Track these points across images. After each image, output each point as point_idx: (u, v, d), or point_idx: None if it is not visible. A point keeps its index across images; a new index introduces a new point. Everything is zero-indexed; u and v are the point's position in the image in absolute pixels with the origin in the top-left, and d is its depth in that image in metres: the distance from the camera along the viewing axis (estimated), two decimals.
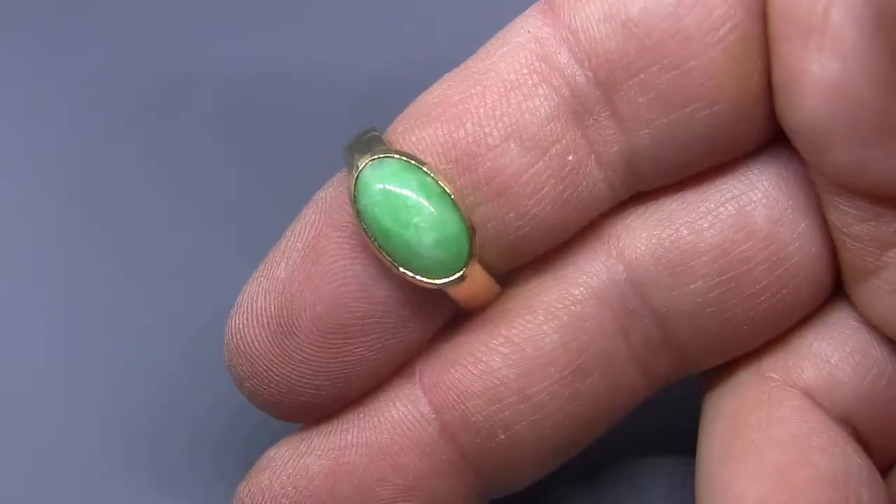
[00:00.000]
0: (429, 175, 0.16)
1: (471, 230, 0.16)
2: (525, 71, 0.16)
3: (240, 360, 0.17)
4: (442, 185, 0.16)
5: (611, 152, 0.17)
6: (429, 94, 0.17)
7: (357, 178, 0.16)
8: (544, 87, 0.16)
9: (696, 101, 0.16)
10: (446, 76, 0.17)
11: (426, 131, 0.16)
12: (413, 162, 0.16)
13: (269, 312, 0.16)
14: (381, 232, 0.16)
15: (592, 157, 0.17)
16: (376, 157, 0.16)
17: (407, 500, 0.17)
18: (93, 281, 0.23)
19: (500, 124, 0.16)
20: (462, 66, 0.17)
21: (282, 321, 0.16)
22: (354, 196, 0.16)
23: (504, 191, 0.16)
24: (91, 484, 0.21)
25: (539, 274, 0.18)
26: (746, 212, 0.17)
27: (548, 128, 0.16)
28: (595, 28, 0.16)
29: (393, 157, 0.16)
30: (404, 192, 0.16)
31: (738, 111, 0.16)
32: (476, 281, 0.16)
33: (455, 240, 0.16)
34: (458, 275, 0.16)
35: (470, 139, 0.16)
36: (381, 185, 0.16)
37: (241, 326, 0.17)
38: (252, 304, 0.17)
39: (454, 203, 0.16)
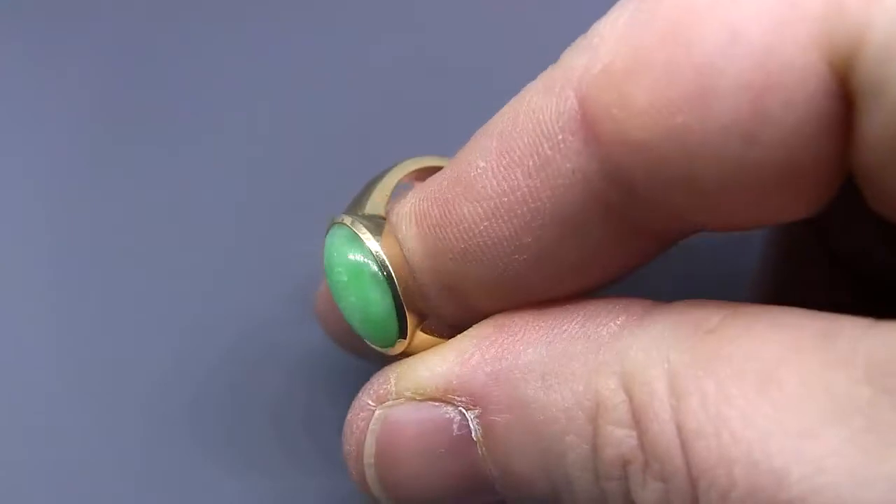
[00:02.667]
0: (371, 252, 0.16)
1: (401, 313, 0.15)
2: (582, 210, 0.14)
3: None
4: (382, 265, 0.15)
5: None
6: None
7: (328, 234, 0.16)
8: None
9: None
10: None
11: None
12: (363, 233, 0.16)
13: None
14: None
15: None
16: (339, 221, 0.16)
17: None
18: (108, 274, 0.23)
19: None
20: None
21: None
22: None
23: None
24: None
25: None
26: None
27: None
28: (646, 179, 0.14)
29: (345, 224, 0.16)
30: (341, 269, 0.16)
31: None
32: (416, 346, 0.16)
33: (381, 322, 0.16)
34: (388, 348, 0.16)
35: None
36: (336, 256, 0.16)
37: None
38: None
39: (388, 285, 0.15)
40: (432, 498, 0.15)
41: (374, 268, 0.16)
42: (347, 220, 0.16)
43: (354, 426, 0.16)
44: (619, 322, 0.14)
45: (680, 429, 0.12)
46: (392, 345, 0.16)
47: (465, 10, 0.27)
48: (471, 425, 0.14)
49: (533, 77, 0.16)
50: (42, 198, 0.24)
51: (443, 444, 0.15)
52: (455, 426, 0.14)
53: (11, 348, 0.22)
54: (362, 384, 0.16)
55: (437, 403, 0.15)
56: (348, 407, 0.17)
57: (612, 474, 0.13)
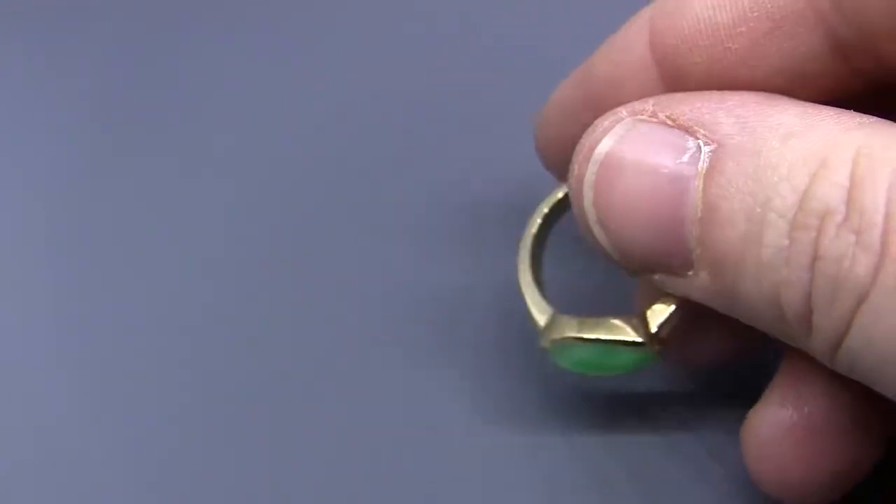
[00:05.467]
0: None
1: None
2: None
3: None
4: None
5: None
6: None
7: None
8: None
9: None
10: None
11: None
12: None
13: None
14: None
15: None
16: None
17: None
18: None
19: None
20: None
21: None
22: None
23: None
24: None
25: None
26: None
27: None
28: None
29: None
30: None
31: None
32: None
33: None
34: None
35: None
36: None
37: None
38: None
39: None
40: (634, 226, 0.17)
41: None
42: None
43: (600, 126, 0.17)
44: (871, 119, 0.15)
45: (891, 192, 0.13)
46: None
47: (464, 11, 0.26)
48: (702, 156, 0.16)
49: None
50: (42, 199, 0.24)
51: (668, 165, 0.16)
52: (688, 153, 0.16)
53: (11, 348, 0.22)
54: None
55: (681, 132, 0.16)
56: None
57: (807, 224, 0.14)
